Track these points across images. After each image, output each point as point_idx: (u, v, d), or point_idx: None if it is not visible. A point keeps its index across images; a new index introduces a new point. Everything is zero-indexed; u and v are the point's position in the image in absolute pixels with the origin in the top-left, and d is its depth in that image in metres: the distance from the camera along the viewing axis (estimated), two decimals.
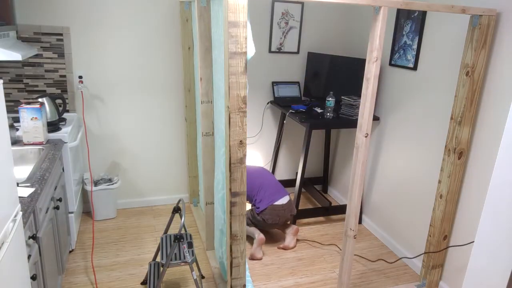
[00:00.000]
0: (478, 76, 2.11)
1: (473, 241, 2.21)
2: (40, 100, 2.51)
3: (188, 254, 2.08)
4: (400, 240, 2.91)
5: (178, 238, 2.05)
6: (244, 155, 1.78)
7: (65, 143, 2.52)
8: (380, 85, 3.05)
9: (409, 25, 2.70)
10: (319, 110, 3.17)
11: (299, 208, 3.51)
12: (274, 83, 3.49)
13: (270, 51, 3.42)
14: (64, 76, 2.97)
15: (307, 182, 3.76)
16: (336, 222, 3.37)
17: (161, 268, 2.08)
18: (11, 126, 2.34)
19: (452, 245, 2.42)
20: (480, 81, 2.13)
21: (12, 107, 2.89)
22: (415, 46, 2.64)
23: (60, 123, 2.72)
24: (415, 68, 2.66)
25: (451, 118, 2.24)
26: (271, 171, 3.75)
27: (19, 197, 1.65)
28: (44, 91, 2.95)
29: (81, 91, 3.03)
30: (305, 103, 3.40)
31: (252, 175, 3.03)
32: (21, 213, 1.46)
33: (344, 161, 3.68)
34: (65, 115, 2.98)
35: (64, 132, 2.56)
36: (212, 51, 2.39)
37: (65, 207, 2.56)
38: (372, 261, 2.82)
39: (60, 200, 2.29)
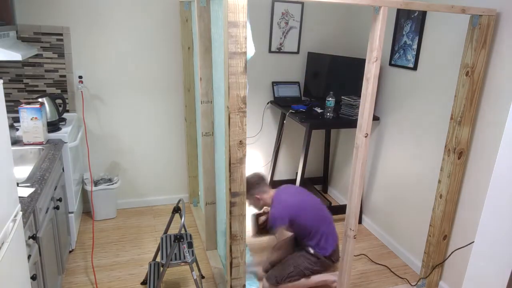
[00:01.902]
0: (478, 76, 2.11)
1: (473, 241, 2.21)
2: (40, 100, 2.51)
3: (188, 254, 2.08)
4: (400, 240, 2.91)
5: (178, 238, 2.05)
6: (244, 155, 1.78)
7: (65, 143, 2.52)
8: (380, 85, 3.05)
9: (409, 25, 2.70)
10: (319, 110, 3.17)
11: None
12: (274, 83, 3.49)
13: (270, 51, 3.42)
14: (64, 76, 2.97)
15: (307, 182, 3.76)
16: (336, 222, 3.37)
17: (161, 268, 2.08)
18: (11, 126, 2.34)
19: (452, 245, 2.42)
20: (480, 81, 2.13)
21: (12, 107, 2.89)
22: (415, 46, 2.64)
23: (60, 123, 2.72)
24: (415, 68, 2.66)
25: (451, 118, 2.24)
26: (271, 171, 3.75)
27: (19, 197, 1.65)
28: (44, 91, 2.95)
29: (81, 91, 3.03)
30: (305, 103, 3.40)
31: (309, 206, 2.46)
32: (21, 213, 1.46)
33: (344, 161, 3.68)
34: (65, 115, 2.98)
35: (64, 132, 2.56)
36: (212, 51, 2.39)
37: (65, 207, 2.56)
38: (399, 276, 2.79)
39: (60, 200, 2.29)
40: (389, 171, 2.99)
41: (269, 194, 2.51)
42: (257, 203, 2.52)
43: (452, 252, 2.42)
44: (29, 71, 2.88)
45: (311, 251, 2.41)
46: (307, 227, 2.41)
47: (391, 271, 2.73)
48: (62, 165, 2.51)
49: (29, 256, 1.61)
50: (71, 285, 2.43)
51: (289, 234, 2.51)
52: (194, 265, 2.60)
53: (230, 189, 1.81)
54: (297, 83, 3.56)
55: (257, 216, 2.70)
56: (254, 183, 2.46)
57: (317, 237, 2.41)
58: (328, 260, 2.43)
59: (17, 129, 2.43)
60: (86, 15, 2.90)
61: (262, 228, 2.71)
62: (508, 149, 1.90)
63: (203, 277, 2.56)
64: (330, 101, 3.01)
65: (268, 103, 3.58)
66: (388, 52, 2.93)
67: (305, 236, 2.45)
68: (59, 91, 2.99)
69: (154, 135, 3.34)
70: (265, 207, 2.62)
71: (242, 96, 1.69)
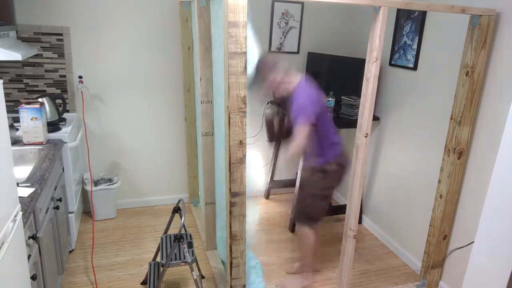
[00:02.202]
0: (478, 76, 2.11)
1: (473, 241, 2.21)
2: (40, 100, 2.51)
3: (188, 254, 2.08)
4: (400, 240, 2.91)
5: (178, 238, 2.05)
6: (244, 155, 1.78)
7: (65, 143, 2.52)
8: (380, 85, 3.04)
9: (409, 25, 2.70)
10: None
11: None
12: None
13: (270, 51, 3.42)
14: (64, 76, 2.97)
15: None
16: (336, 222, 3.37)
17: (161, 268, 2.08)
18: (11, 126, 2.34)
19: (452, 245, 2.42)
20: (480, 81, 2.13)
21: (12, 107, 2.89)
22: (415, 46, 2.64)
23: (60, 123, 2.72)
24: (415, 68, 2.66)
25: (451, 118, 2.24)
26: (271, 171, 3.74)
27: (19, 197, 1.65)
28: (44, 91, 2.95)
29: (81, 91, 3.03)
30: None
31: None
32: (21, 213, 1.46)
33: None
34: (65, 115, 2.97)
35: (64, 132, 2.56)
36: (212, 51, 2.39)
37: (65, 207, 2.56)
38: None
39: (60, 200, 2.29)
40: (389, 171, 2.99)
41: (293, 81, 2.08)
42: (276, 89, 2.06)
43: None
44: (29, 71, 2.88)
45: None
46: (329, 135, 2.11)
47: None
48: (62, 165, 2.51)
49: (29, 256, 1.61)
50: (71, 285, 2.43)
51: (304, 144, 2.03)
52: (194, 265, 2.59)
53: (230, 189, 1.81)
54: None
55: (272, 118, 2.30)
56: (272, 62, 2.07)
57: (333, 148, 2.13)
58: (336, 165, 2.18)
59: (17, 129, 2.43)
60: (86, 15, 2.90)
61: (276, 131, 2.34)
62: (508, 149, 1.90)
63: (203, 277, 2.56)
64: (330, 101, 3.01)
65: (268, 103, 3.58)
66: (388, 52, 2.93)
67: (320, 148, 2.11)
68: (59, 91, 2.99)
69: (154, 135, 3.34)
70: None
71: (242, 96, 1.69)
